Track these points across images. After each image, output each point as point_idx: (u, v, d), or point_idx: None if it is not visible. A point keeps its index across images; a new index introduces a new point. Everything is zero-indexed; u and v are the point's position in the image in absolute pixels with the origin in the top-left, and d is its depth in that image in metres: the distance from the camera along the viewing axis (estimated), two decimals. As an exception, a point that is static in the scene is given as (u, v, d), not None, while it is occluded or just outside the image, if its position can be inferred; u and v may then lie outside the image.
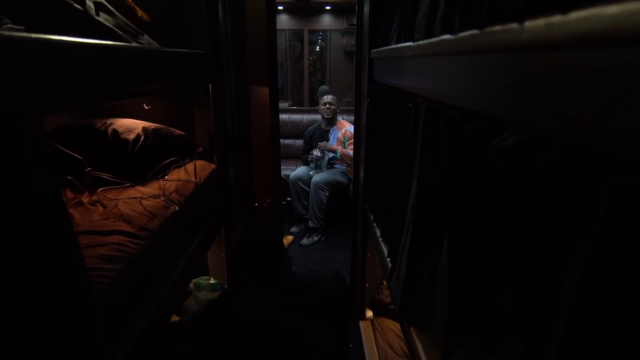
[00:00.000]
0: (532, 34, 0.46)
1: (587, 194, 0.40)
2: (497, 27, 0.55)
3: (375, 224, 1.75)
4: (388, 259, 1.38)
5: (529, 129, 0.52)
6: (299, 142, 5.19)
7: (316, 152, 4.16)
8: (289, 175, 4.24)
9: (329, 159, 4.19)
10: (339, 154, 4.08)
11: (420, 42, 0.93)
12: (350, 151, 3.92)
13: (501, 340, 0.74)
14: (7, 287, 0.57)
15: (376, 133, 1.73)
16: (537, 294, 0.54)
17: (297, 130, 5.32)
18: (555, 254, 0.47)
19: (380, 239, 1.58)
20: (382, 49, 1.60)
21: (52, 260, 0.64)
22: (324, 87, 5.87)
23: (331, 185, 3.98)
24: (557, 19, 0.42)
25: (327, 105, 4.17)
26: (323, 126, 4.31)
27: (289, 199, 4.21)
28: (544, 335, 0.53)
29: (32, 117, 0.71)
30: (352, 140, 3.11)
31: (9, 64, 0.59)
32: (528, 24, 0.47)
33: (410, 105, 1.04)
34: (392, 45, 1.41)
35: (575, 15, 0.39)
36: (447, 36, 0.74)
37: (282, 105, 5.79)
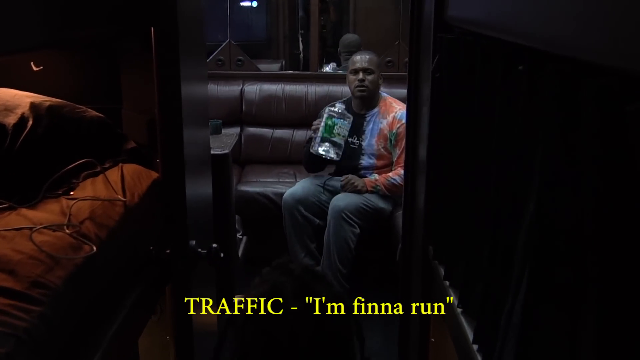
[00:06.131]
0: None
1: None
2: None
3: (447, 283, 1.23)
4: (474, 347, 0.91)
5: None
6: (299, 134, 3.14)
7: (330, 109, 2.46)
8: (282, 194, 2.56)
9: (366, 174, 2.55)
10: (378, 188, 2.45)
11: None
12: (396, 176, 2.41)
13: None
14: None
15: (451, 118, 1.16)
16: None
17: (296, 114, 3.14)
18: None
19: (460, 310, 1.09)
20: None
21: None
22: (350, 37, 3.74)
23: (365, 215, 2.38)
24: None
25: (362, 74, 2.48)
26: (355, 107, 2.59)
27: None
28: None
29: None
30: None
31: None
32: None
33: (521, 67, 0.69)
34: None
35: None
36: None
37: (271, 67, 3.63)
